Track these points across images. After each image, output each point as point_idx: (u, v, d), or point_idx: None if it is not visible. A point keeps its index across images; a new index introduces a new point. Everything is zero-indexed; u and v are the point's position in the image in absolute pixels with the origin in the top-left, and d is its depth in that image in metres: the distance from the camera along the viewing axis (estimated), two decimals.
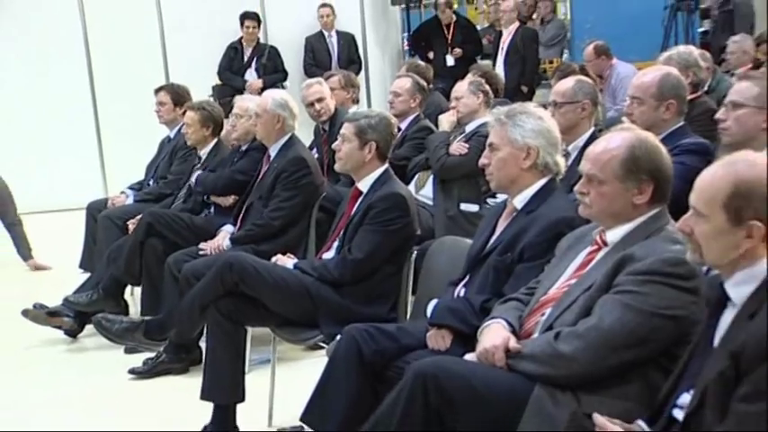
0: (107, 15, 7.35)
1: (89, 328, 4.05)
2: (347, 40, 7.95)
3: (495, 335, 2.10)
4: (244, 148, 4.28)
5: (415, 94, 4.62)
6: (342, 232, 3.13)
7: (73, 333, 4.20)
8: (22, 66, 7.32)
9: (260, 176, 3.95)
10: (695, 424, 1.66)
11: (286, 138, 3.89)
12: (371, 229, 3.00)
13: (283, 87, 6.97)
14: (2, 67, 7.29)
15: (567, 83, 3.38)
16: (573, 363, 1.93)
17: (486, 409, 1.96)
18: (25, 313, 4.14)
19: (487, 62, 8.24)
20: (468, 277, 2.59)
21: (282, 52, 7.70)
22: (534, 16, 10.65)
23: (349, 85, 5.17)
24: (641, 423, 1.86)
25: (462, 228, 3.84)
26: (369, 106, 7.62)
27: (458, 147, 4.10)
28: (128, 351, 3.84)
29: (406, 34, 9.03)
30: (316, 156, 4.44)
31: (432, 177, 4.28)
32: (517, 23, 8.08)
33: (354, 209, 3.11)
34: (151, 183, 4.95)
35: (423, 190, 4.35)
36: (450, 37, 8.20)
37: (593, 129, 3.35)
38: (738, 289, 1.68)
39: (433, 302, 2.59)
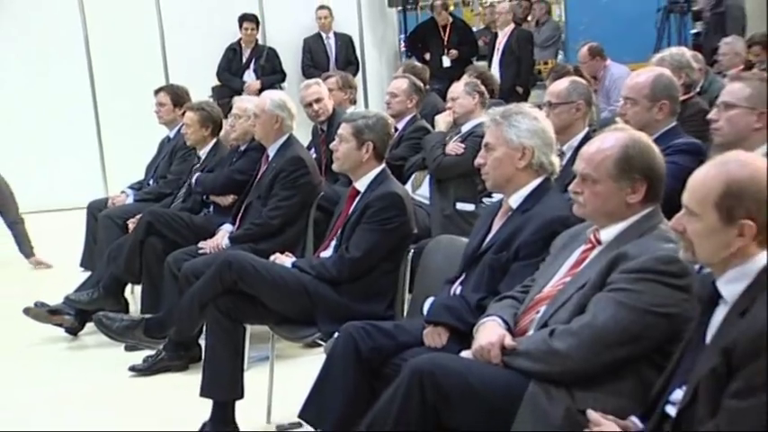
0: (107, 15, 7.33)
1: (90, 326, 4.04)
2: (345, 42, 7.94)
3: (490, 332, 2.10)
4: (242, 148, 4.28)
5: (412, 95, 4.62)
6: (339, 231, 3.13)
7: (74, 331, 4.20)
8: (23, 66, 7.29)
9: (258, 176, 3.95)
10: (687, 420, 1.66)
11: (284, 138, 3.88)
12: (369, 228, 3.00)
13: (281, 88, 6.96)
14: (2, 67, 7.26)
15: (562, 84, 3.38)
16: (567, 360, 1.94)
17: (482, 405, 1.97)
18: (27, 311, 4.14)
19: (483, 63, 8.24)
20: (464, 275, 2.59)
21: (281, 53, 7.70)
22: (529, 18, 10.67)
23: (346, 86, 5.16)
24: (635, 419, 1.86)
25: (458, 227, 3.84)
26: (366, 107, 7.63)
27: (454, 147, 4.10)
28: (128, 349, 3.83)
29: (402, 36, 9.03)
30: (314, 156, 4.44)
31: (428, 177, 4.28)
32: (512, 25, 8.10)
33: (352, 208, 3.11)
34: (151, 182, 4.94)
35: (419, 189, 4.35)
36: (446, 38, 8.20)
37: (587, 129, 3.35)
38: (730, 287, 1.69)
39: (430, 300, 2.59)
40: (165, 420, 3.20)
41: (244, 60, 7.59)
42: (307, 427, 2.63)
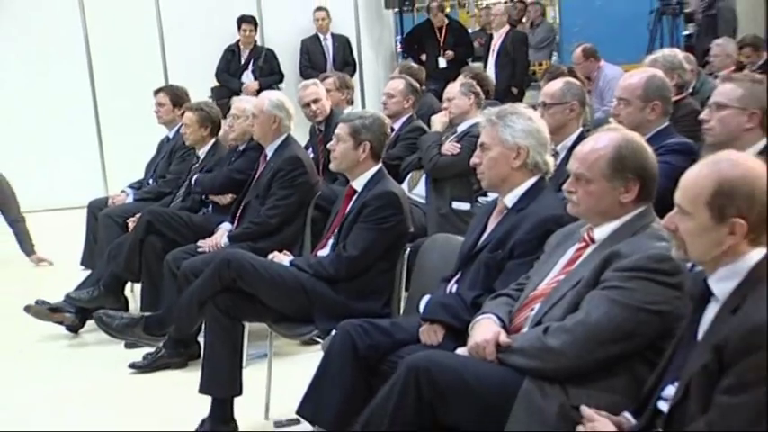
0: (107, 15, 7.29)
1: (90, 323, 4.04)
2: (342, 43, 7.94)
3: (485, 329, 2.10)
4: (241, 147, 4.27)
5: (408, 96, 4.62)
6: (337, 230, 3.13)
7: (74, 328, 4.19)
8: (23, 66, 7.24)
9: (257, 176, 3.95)
10: (679, 415, 1.67)
11: (282, 138, 3.88)
12: (365, 227, 3.00)
13: (279, 89, 6.95)
14: (2, 67, 7.21)
15: (556, 84, 3.39)
16: (561, 356, 1.94)
17: (477, 401, 1.97)
18: (27, 309, 4.13)
19: (478, 64, 8.25)
20: (459, 274, 2.59)
21: (279, 55, 7.69)
22: (524, 20, 10.69)
23: (344, 87, 5.16)
24: (627, 415, 1.86)
25: (454, 225, 3.84)
26: (363, 107, 7.62)
27: (450, 147, 4.09)
28: (128, 346, 3.83)
29: (399, 37, 9.03)
30: (311, 155, 4.44)
31: (424, 176, 4.28)
32: (507, 27, 8.10)
33: (349, 207, 3.11)
34: (150, 182, 4.93)
35: (415, 189, 4.34)
36: (442, 40, 8.20)
37: (581, 129, 3.35)
38: (721, 284, 1.69)
39: (426, 298, 2.59)
40: (164, 417, 3.20)
41: (242, 61, 7.58)
42: (304, 423, 2.63)
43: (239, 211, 3.97)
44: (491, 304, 2.25)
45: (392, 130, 4.10)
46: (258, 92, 6.00)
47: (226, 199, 4.20)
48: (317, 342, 3.03)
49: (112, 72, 7.36)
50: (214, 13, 7.67)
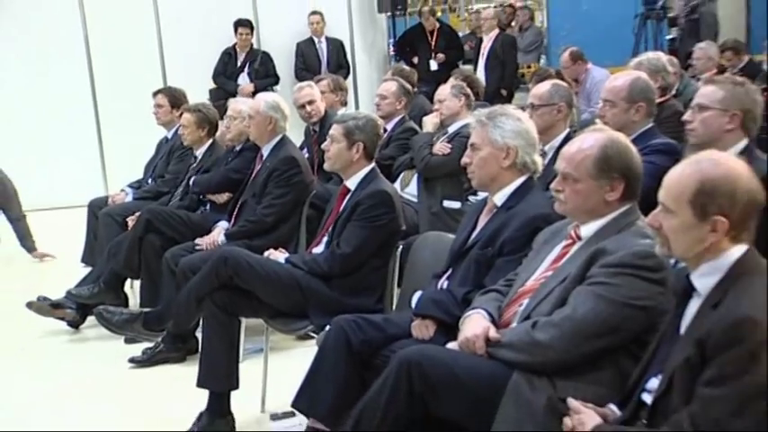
0: (107, 15, 7.22)
1: (90, 319, 4.03)
2: (336, 46, 7.93)
3: (475, 324, 2.11)
4: (238, 148, 4.26)
5: (401, 97, 4.62)
6: (331, 228, 3.13)
7: (75, 324, 4.18)
8: (23, 66, 7.17)
9: (253, 175, 3.94)
10: (663, 407, 1.67)
11: (278, 138, 3.87)
12: (359, 225, 3.00)
13: (274, 91, 6.94)
14: (2, 67, 7.14)
15: (544, 86, 3.39)
16: (549, 350, 1.94)
17: (468, 394, 1.97)
18: (29, 305, 4.12)
19: (469, 67, 8.26)
20: (450, 270, 2.59)
21: (274, 57, 7.67)
22: (513, 24, 10.69)
23: (338, 89, 5.15)
24: (613, 407, 1.87)
25: (445, 223, 3.84)
26: (356, 108, 7.61)
27: (441, 147, 4.09)
28: (127, 341, 3.82)
29: (391, 40, 9.02)
30: (306, 155, 4.43)
31: (416, 176, 4.28)
32: (497, 30, 8.10)
33: (343, 206, 3.10)
34: (149, 181, 4.92)
35: (407, 188, 4.34)
36: (433, 43, 8.20)
37: (568, 130, 3.36)
38: (703, 280, 1.70)
39: (418, 294, 2.59)
40: (162, 410, 3.19)
41: (239, 64, 7.56)
42: (300, 416, 2.63)
43: (236, 209, 3.96)
44: (481, 300, 2.26)
45: (385, 130, 4.10)
46: (254, 94, 5.99)
47: (223, 198, 4.20)
48: (312, 337, 3.02)
49: (112, 73, 7.31)
50: (211, 15, 7.65)
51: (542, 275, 2.16)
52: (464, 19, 13.07)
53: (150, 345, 3.67)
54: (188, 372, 3.19)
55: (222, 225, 3.93)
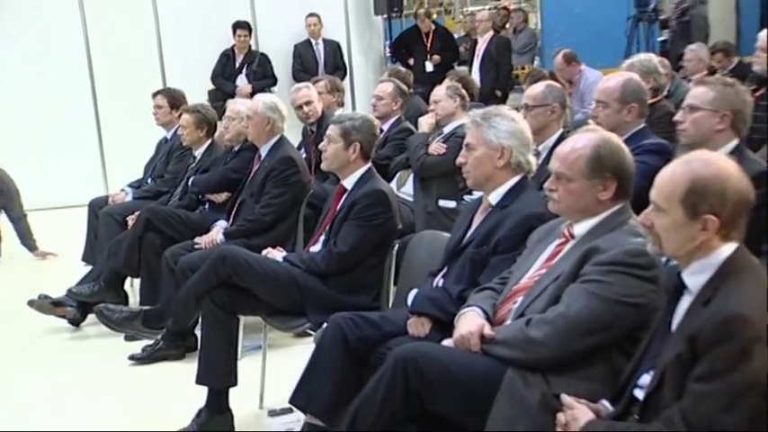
0: (107, 15, 7.18)
1: (91, 317, 4.02)
2: (333, 48, 7.92)
3: (470, 322, 2.11)
4: (236, 148, 4.26)
5: (397, 98, 4.61)
6: (328, 227, 3.12)
7: (76, 322, 4.17)
8: (23, 66, 7.11)
9: (251, 175, 3.94)
10: (654, 403, 1.68)
11: (276, 138, 3.87)
12: (355, 224, 2.99)
13: (271, 92, 6.93)
14: (2, 66, 7.08)
15: (538, 87, 3.39)
16: (543, 347, 1.94)
17: (463, 390, 1.97)
18: (31, 303, 4.11)
19: (464, 68, 8.26)
20: (446, 268, 2.59)
21: (272, 59, 7.66)
22: (507, 26, 10.69)
23: (335, 90, 5.15)
24: (605, 402, 1.87)
25: (441, 223, 3.84)
26: (353, 109, 7.61)
27: (436, 147, 4.09)
28: (127, 339, 3.81)
29: (388, 42, 9.02)
30: (304, 155, 4.43)
31: (412, 175, 4.28)
32: (491, 32, 8.11)
33: (339, 205, 3.10)
34: (149, 181, 4.91)
35: (404, 187, 4.34)
36: (429, 45, 8.20)
37: (561, 130, 3.36)
38: (694, 278, 1.70)
39: (414, 292, 2.59)
40: (162, 406, 3.19)
41: (237, 65, 7.55)
42: (297, 412, 2.63)
43: (234, 208, 3.95)
44: (476, 297, 2.26)
45: (381, 131, 4.10)
46: (252, 95, 5.98)
47: (221, 197, 4.19)
48: (310, 334, 3.02)
49: (112, 73, 7.27)
50: (210, 16, 7.63)
51: (536, 273, 2.16)
52: (459, 21, 13.07)
53: (150, 342, 3.66)
54: (187, 369, 3.19)
55: (221, 224, 3.93)
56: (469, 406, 1.97)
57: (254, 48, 7.69)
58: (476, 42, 8.24)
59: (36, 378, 3.63)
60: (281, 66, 7.75)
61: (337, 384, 2.33)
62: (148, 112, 5.00)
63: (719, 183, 1.65)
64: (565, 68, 6.53)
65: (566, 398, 1.85)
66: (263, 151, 3.89)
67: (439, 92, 4.29)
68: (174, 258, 3.68)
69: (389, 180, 4.18)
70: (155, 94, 5.00)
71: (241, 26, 7.50)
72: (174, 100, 4.91)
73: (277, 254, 3.17)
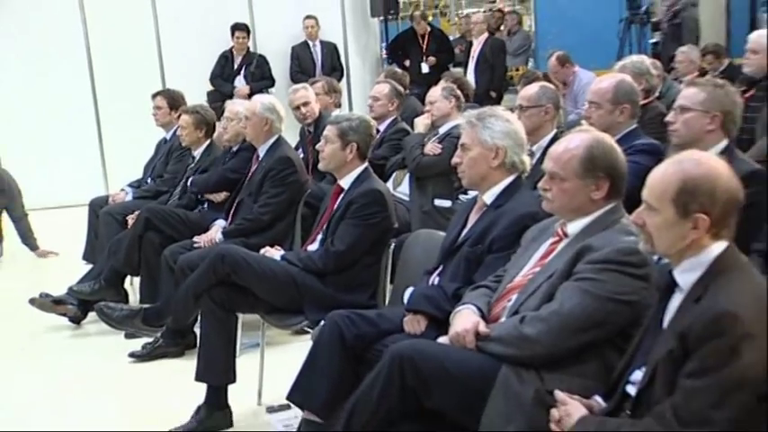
0: (107, 16, 7.14)
1: (92, 315, 4.02)
2: (330, 49, 7.92)
3: (465, 319, 2.11)
4: (235, 148, 4.25)
5: (393, 99, 4.62)
6: (325, 226, 3.12)
7: (76, 320, 4.17)
8: (23, 65, 7.06)
9: (250, 175, 3.93)
10: (646, 398, 1.68)
11: (273, 139, 3.87)
12: (352, 223, 2.99)
13: (269, 93, 6.92)
14: (2, 66, 7.04)
15: (532, 88, 3.39)
16: (536, 344, 1.94)
17: (458, 387, 1.97)
18: (32, 302, 4.10)
19: (459, 70, 8.26)
20: (441, 267, 2.59)
21: (270, 60, 7.65)
22: (502, 28, 10.70)
23: (332, 91, 5.16)
24: (598, 398, 1.88)
25: (436, 222, 3.84)
26: (350, 110, 7.60)
27: (432, 147, 4.10)
28: (127, 336, 3.81)
29: (384, 44, 9.02)
30: (301, 155, 4.43)
31: (408, 175, 4.28)
32: (486, 34, 8.11)
33: (336, 204, 3.10)
34: (149, 181, 4.90)
35: (400, 187, 4.35)
36: (424, 46, 8.21)
37: (555, 130, 3.36)
38: (685, 276, 1.70)
39: (410, 290, 2.59)
40: (162, 403, 3.18)
41: (235, 67, 7.54)
42: (295, 408, 2.63)
43: (233, 208, 3.95)
44: (471, 295, 2.26)
45: (378, 131, 4.10)
46: (250, 96, 5.97)
47: (220, 197, 4.19)
48: (307, 332, 3.02)
49: (112, 73, 7.24)
50: (209, 18, 7.61)
51: (530, 272, 2.17)
52: (454, 23, 13.08)
53: (150, 340, 3.66)
54: (186, 366, 3.18)
55: (219, 223, 3.92)
56: (465, 402, 1.97)
57: (252, 49, 7.68)
58: (471, 44, 8.24)
59: (37, 375, 3.62)
60: (279, 67, 7.74)
61: (334, 381, 2.33)
62: (148, 112, 4.99)
63: (710, 182, 1.66)
64: (559, 70, 6.53)
65: (559, 394, 1.85)
66: (262, 151, 3.89)
67: (434, 93, 4.29)
68: (174, 257, 3.68)
69: (386, 180, 4.18)
70: (154, 95, 4.99)
71: (239, 28, 7.49)
72: (174, 101, 4.90)
73: (275, 253, 3.17)
